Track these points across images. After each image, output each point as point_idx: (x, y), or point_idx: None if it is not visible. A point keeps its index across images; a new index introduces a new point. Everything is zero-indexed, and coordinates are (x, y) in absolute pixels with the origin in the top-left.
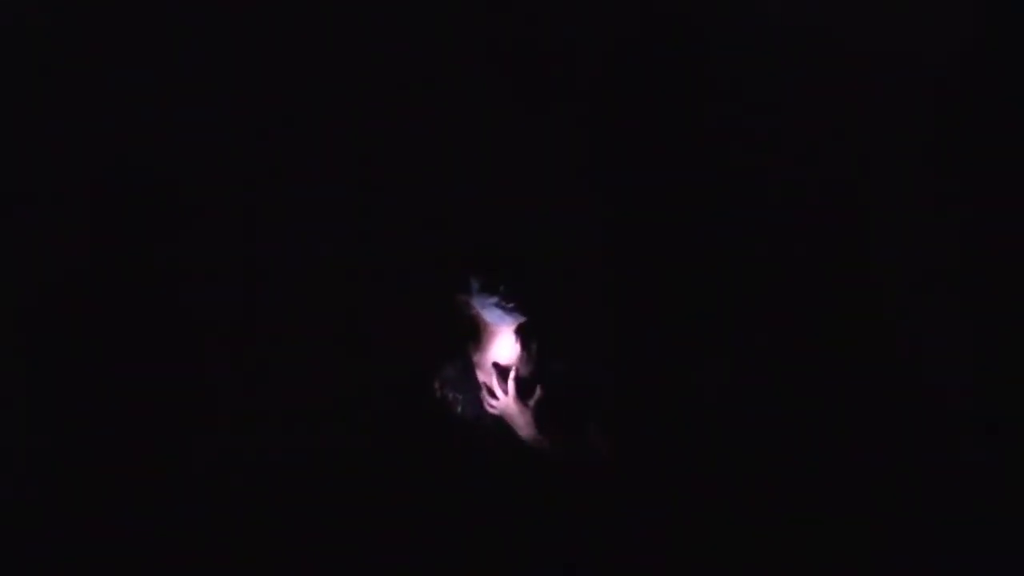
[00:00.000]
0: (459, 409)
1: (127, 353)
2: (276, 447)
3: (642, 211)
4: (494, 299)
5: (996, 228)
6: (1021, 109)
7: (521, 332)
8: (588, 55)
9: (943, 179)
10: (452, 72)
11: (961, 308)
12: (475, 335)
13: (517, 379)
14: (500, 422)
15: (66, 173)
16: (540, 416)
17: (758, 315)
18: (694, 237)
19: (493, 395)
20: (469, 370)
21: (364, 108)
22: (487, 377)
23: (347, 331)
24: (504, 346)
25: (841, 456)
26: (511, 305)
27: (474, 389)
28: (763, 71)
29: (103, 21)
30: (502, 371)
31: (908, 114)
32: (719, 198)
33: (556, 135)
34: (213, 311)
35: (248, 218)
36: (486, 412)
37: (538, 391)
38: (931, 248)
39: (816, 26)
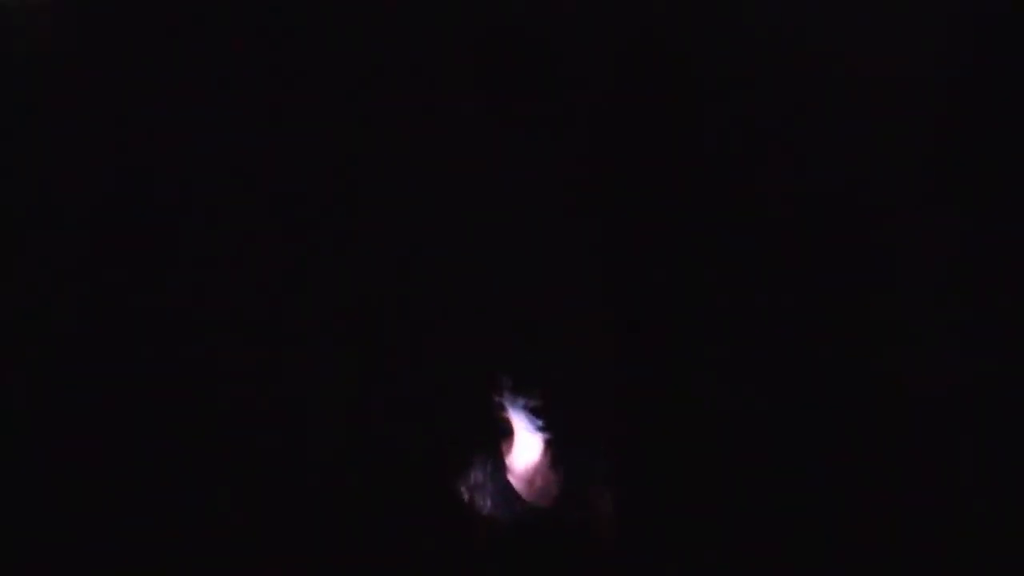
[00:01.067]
0: (484, 512)
1: (127, 359)
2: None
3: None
4: (523, 402)
5: (994, 233)
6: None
7: (550, 443)
8: (589, 82)
9: (941, 185)
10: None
11: (960, 312)
12: (504, 436)
13: (543, 487)
14: (521, 527)
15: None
16: (560, 521)
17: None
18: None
19: (518, 498)
20: (498, 471)
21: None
22: (514, 480)
23: (375, 425)
24: (532, 449)
25: (854, 472)
26: (540, 420)
27: (500, 491)
28: (761, 85)
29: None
30: (529, 476)
31: (906, 124)
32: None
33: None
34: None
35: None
36: (509, 515)
37: (562, 498)
38: (929, 253)
39: (816, 38)
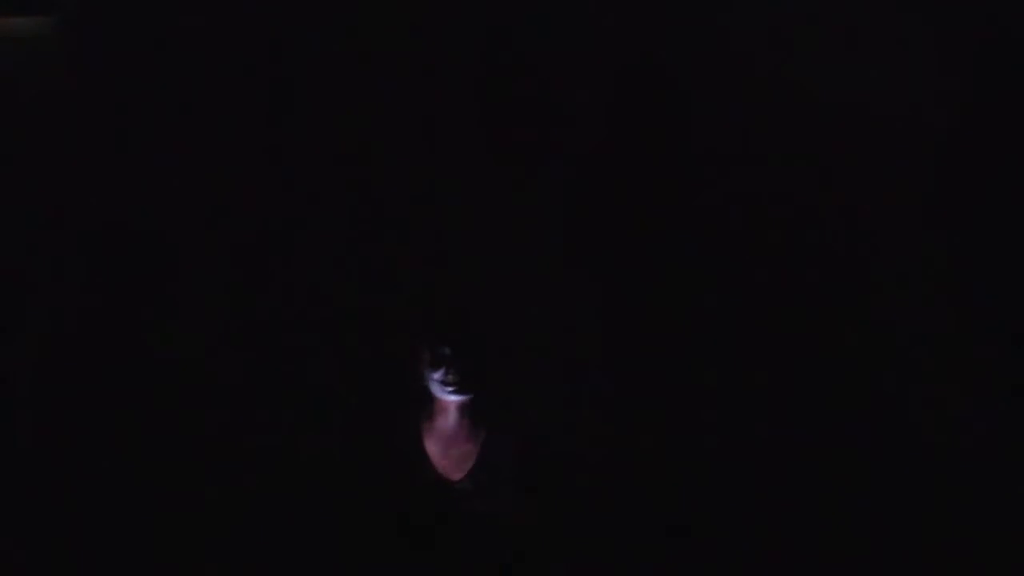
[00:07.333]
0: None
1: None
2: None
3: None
4: (438, 374)
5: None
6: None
7: (464, 409)
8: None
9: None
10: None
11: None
12: (424, 406)
13: (457, 452)
14: (438, 490)
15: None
16: (475, 488)
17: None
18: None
19: (433, 464)
20: (415, 439)
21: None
22: (430, 447)
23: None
24: (450, 419)
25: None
26: (451, 387)
27: (414, 459)
28: (757, 134)
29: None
30: (444, 443)
31: (903, 174)
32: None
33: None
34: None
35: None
36: (420, 485)
37: (477, 465)
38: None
39: (809, 84)
